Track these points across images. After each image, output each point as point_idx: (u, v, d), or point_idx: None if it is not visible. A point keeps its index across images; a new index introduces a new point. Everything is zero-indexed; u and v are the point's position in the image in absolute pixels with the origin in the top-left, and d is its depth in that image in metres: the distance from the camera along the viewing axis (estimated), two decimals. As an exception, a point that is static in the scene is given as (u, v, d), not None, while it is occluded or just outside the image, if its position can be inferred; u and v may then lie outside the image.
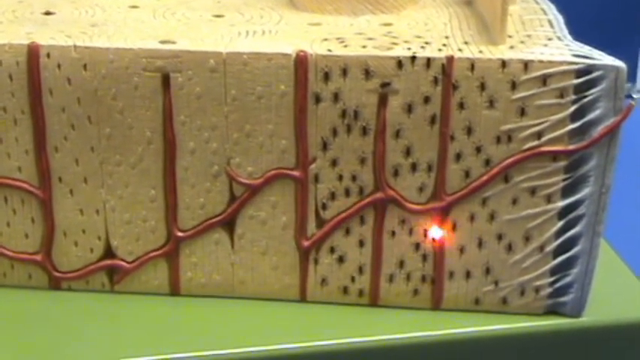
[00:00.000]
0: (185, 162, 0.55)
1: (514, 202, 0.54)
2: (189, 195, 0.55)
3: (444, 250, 0.55)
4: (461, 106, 0.52)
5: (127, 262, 0.57)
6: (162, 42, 0.53)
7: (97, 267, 0.58)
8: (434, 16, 0.58)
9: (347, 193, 0.55)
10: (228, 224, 0.56)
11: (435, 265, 0.56)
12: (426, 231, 0.55)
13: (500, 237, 0.55)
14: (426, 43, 0.53)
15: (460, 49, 0.52)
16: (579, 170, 0.53)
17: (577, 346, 0.57)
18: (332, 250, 0.56)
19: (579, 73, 0.51)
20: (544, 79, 0.51)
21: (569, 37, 0.55)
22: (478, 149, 0.53)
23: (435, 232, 0.55)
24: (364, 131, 0.53)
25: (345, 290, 0.57)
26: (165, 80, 0.53)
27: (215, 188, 0.55)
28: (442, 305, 0.57)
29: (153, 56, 0.52)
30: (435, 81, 0.52)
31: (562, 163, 0.53)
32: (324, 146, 0.54)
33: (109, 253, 0.57)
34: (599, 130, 0.52)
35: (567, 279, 0.55)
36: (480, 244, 0.55)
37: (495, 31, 0.53)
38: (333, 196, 0.55)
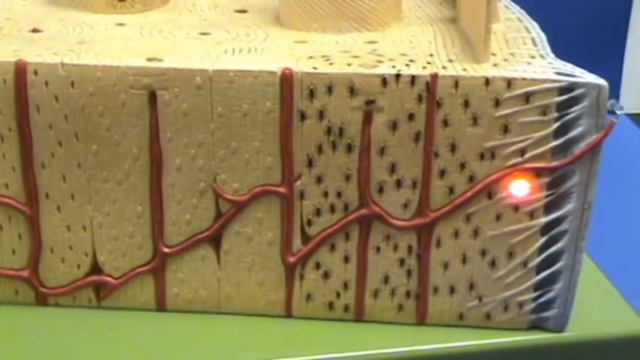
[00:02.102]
0: (171, 178, 0.55)
1: (498, 218, 0.54)
2: (176, 211, 0.56)
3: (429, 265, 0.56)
4: (445, 123, 0.52)
5: (114, 278, 0.58)
6: (149, 59, 0.53)
7: (84, 283, 0.58)
8: (419, 34, 0.59)
9: (332, 209, 0.55)
10: (215, 240, 0.56)
11: (420, 281, 0.56)
12: (410, 247, 0.55)
13: (484, 253, 0.55)
14: (411, 60, 0.53)
15: (444, 67, 0.53)
16: (562, 187, 0.53)
17: (560, 360, 0.57)
18: (317, 265, 0.56)
19: (562, 90, 0.51)
20: (527, 97, 0.52)
21: (552, 55, 0.55)
22: (462, 166, 0.53)
23: None
24: (349, 148, 0.53)
25: (331, 306, 0.58)
26: (152, 97, 0.53)
27: (201, 204, 0.55)
28: (427, 320, 0.57)
29: (140, 74, 0.53)
30: (420, 98, 0.52)
31: (545, 180, 0.53)
32: (310, 163, 0.54)
33: (95, 269, 0.58)
34: (582, 147, 0.52)
35: (550, 294, 0.56)
36: (464, 260, 0.56)
37: (479, 49, 0.53)
38: (318, 212, 0.55)
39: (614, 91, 0.52)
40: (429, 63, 0.53)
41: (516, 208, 0.54)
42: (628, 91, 1.96)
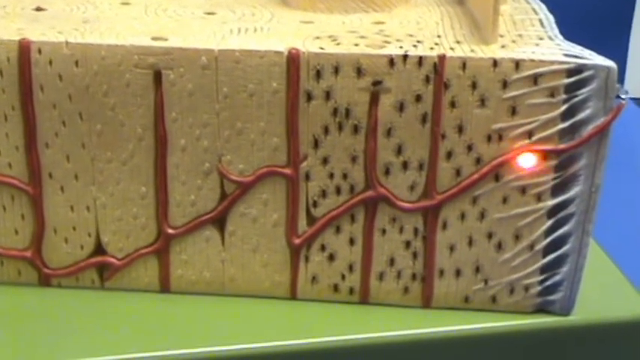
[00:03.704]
0: (176, 159, 0.55)
1: (504, 200, 0.54)
2: (180, 192, 0.55)
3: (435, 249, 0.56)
4: (452, 104, 0.52)
5: (117, 259, 0.57)
6: (155, 39, 0.53)
7: (87, 264, 0.58)
8: (426, 15, 0.58)
9: (338, 191, 0.55)
10: (219, 221, 0.56)
11: (426, 264, 0.56)
12: (416, 229, 0.55)
13: (490, 235, 0.55)
14: (418, 41, 0.53)
15: (452, 48, 0.52)
16: (569, 169, 0.53)
17: (566, 344, 0.57)
18: (322, 247, 0.56)
19: (570, 72, 0.51)
20: (535, 79, 0.51)
21: (560, 36, 0.55)
22: (469, 148, 0.53)
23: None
24: (355, 129, 0.53)
25: (336, 288, 0.57)
26: (157, 77, 0.53)
27: (206, 185, 0.55)
28: (432, 303, 0.57)
29: (145, 53, 0.52)
30: (427, 80, 0.52)
31: (552, 162, 0.53)
32: (316, 144, 0.54)
33: (99, 249, 0.57)
34: (590, 129, 0.52)
35: (557, 277, 0.56)
36: (470, 243, 0.55)
37: (487, 31, 0.53)
38: (324, 194, 0.55)
39: (621, 77, 0.52)
40: (436, 44, 0.53)
41: (523, 190, 0.54)
42: (633, 76, 1.96)
